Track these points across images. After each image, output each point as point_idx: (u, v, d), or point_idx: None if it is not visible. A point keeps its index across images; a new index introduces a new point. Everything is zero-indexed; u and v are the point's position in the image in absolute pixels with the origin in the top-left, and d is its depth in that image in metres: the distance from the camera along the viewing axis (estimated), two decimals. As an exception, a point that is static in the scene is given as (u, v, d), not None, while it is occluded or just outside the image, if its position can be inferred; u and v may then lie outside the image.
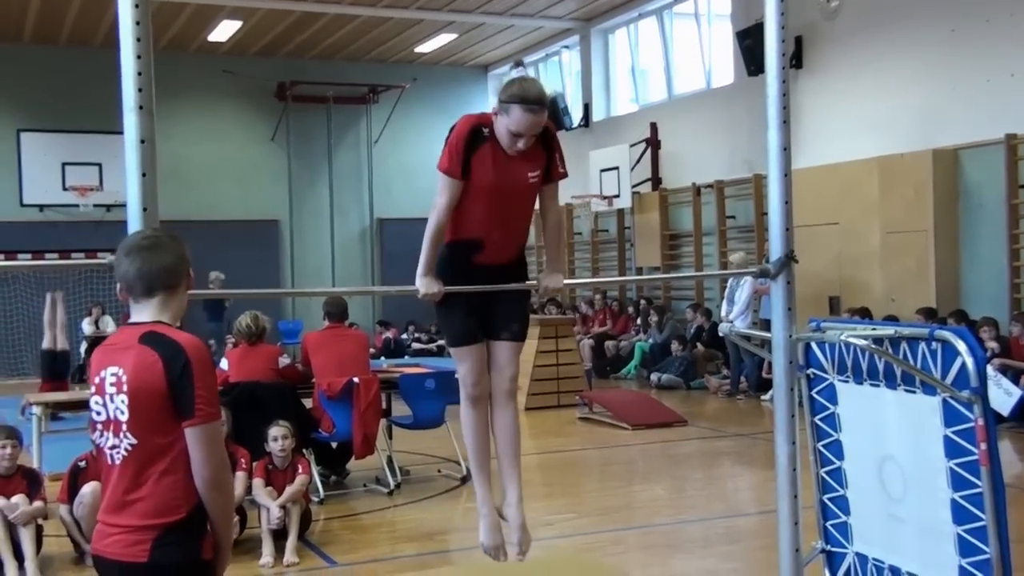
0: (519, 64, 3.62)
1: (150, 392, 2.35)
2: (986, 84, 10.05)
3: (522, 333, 3.68)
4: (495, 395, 3.67)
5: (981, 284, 10.19)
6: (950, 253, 10.37)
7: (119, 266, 2.46)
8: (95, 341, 12.48)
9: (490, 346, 3.64)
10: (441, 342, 15.67)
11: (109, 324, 14.41)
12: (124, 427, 2.38)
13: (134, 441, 2.37)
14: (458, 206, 3.47)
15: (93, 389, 2.45)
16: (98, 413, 2.44)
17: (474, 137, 3.41)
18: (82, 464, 5.49)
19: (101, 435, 2.45)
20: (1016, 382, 8.73)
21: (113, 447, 2.41)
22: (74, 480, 5.46)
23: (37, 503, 5.33)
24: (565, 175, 3.58)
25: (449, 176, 3.42)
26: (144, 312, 2.46)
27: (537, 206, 3.64)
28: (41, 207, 16.30)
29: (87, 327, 14.61)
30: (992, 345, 9.04)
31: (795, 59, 11.97)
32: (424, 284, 3.45)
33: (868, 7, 11.37)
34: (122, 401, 2.38)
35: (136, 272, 2.44)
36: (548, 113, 3.41)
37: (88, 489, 5.30)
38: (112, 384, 2.39)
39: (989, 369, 8.07)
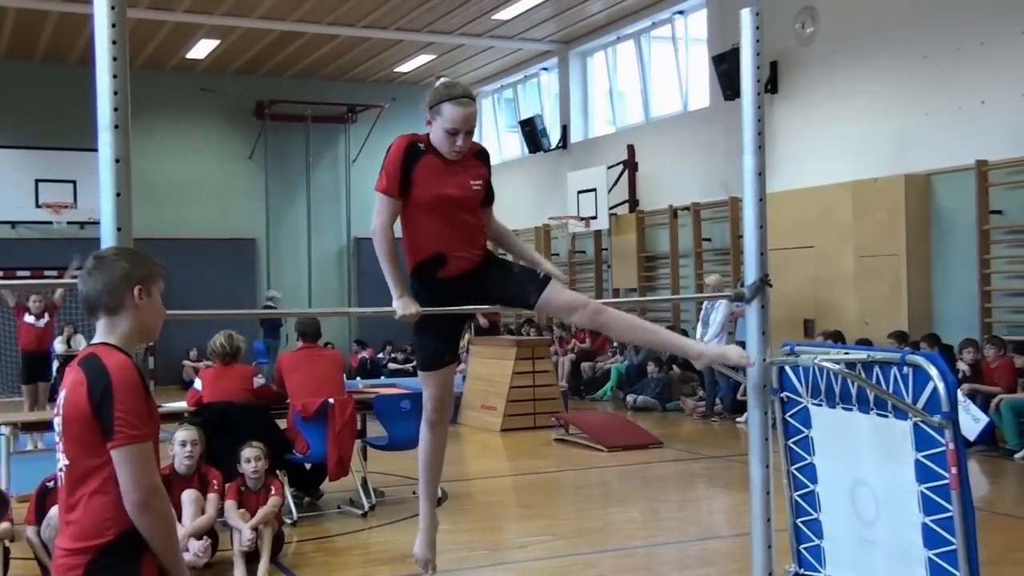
0: (439, 78, 3.70)
1: (76, 413, 2.34)
2: (957, 110, 10.20)
3: (543, 279, 3.54)
4: (586, 308, 3.54)
5: (952, 308, 10.30)
6: (922, 277, 10.48)
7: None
8: (66, 360, 12.34)
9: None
10: (417, 362, 15.61)
11: (81, 343, 14.23)
12: (60, 447, 2.40)
13: (67, 462, 2.38)
14: (412, 225, 3.50)
15: (56, 411, 2.47)
16: (58, 434, 2.46)
17: (410, 153, 3.45)
18: (50, 485, 5.40)
19: (57, 455, 2.47)
20: (985, 407, 8.79)
21: (61, 468, 2.42)
22: (42, 501, 5.37)
23: (4, 524, 5.24)
24: (494, 199, 3.67)
25: (386, 195, 3.44)
26: (97, 333, 2.47)
27: None
28: (13, 224, 16.13)
29: (59, 346, 14.41)
30: (963, 367, 9.12)
31: (770, 84, 12.12)
32: (401, 305, 3.45)
33: (842, 34, 11.54)
34: (58, 422, 2.40)
35: (79, 294, 2.46)
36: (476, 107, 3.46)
37: (56, 511, 5.21)
38: (60, 405, 2.42)
39: (959, 394, 8.17)
